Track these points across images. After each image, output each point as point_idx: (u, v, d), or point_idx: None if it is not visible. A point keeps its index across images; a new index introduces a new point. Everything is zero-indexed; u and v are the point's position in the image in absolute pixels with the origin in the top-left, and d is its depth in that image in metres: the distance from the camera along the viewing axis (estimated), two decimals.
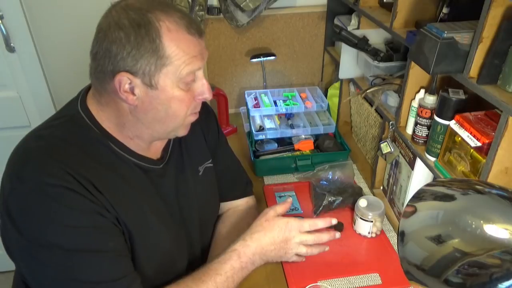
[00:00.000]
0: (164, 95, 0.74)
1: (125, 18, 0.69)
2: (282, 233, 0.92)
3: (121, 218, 0.76)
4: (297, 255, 0.97)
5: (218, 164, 1.05)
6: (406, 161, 1.14)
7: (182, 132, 0.84)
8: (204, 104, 1.05)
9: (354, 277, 1.04)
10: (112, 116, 0.79)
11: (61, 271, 0.70)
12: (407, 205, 0.57)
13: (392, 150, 1.19)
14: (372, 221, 1.14)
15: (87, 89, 0.83)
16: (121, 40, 0.69)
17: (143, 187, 0.83)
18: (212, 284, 0.83)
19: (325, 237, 0.96)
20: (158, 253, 0.84)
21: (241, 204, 1.11)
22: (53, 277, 0.70)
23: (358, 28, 1.39)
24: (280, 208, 0.96)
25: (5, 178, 0.72)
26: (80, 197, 0.70)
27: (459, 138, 0.88)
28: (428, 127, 1.00)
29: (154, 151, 0.88)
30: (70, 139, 0.76)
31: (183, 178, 0.93)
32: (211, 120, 1.05)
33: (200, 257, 1.01)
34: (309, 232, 0.95)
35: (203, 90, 0.79)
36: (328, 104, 1.61)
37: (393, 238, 1.16)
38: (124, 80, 0.71)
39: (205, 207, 1.00)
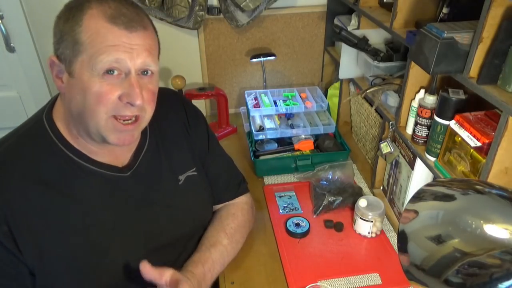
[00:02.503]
0: (80, 85, 0.70)
1: (67, 3, 0.71)
2: None
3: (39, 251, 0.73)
4: None
5: (209, 169, 1.03)
6: (406, 161, 1.14)
7: (112, 138, 0.75)
8: (194, 109, 1.03)
9: (354, 277, 1.04)
10: (61, 110, 0.78)
11: None
12: (406, 209, 0.57)
13: (392, 150, 1.19)
14: (372, 221, 1.14)
15: None
16: (57, 24, 0.71)
17: (93, 204, 0.80)
18: None
19: None
20: (107, 272, 0.81)
21: (233, 201, 1.10)
22: None
23: (358, 28, 1.39)
24: None
25: None
26: None
27: (459, 138, 0.88)
28: (428, 127, 1.00)
29: (116, 157, 0.84)
30: (13, 157, 0.75)
31: (160, 186, 0.90)
32: (200, 125, 1.02)
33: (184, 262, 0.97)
34: None
35: (129, 92, 0.71)
36: (328, 104, 1.62)
37: (393, 238, 1.16)
38: (53, 65, 0.72)
39: (189, 216, 0.96)
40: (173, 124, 0.95)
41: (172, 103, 0.99)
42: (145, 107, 0.76)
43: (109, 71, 0.70)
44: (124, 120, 0.74)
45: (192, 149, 0.98)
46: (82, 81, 0.70)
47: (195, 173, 0.98)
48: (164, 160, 0.91)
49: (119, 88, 0.71)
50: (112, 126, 0.74)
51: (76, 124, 0.76)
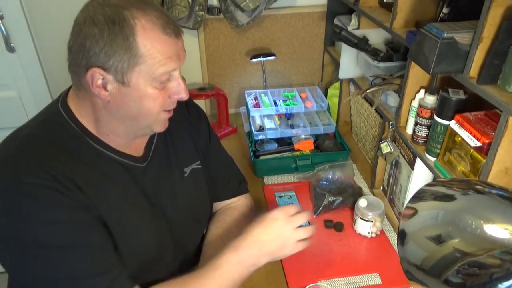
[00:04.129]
0: (136, 93, 0.74)
1: (100, 14, 0.69)
2: (280, 232, 0.89)
3: (101, 214, 0.76)
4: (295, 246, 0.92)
5: (210, 165, 1.04)
6: (406, 161, 1.14)
7: (158, 128, 0.83)
8: (195, 107, 1.05)
9: (354, 277, 1.04)
10: (88, 111, 0.79)
11: (44, 268, 0.70)
12: (407, 206, 0.57)
13: (392, 150, 1.19)
14: (372, 221, 1.14)
15: (70, 86, 0.83)
16: (95, 36, 0.69)
17: (124, 185, 0.82)
18: (210, 278, 0.82)
19: (312, 228, 0.92)
20: (138, 251, 0.83)
21: (233, 201, 1.10)
22: (36, 274, 0.70)
23: (358, 28, 1.39)
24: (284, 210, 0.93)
25: None
26: (56, 193, 0.70)
27: (459, 138, 0.88)
28: (428, 127, 1.00)
29: (135, 148, 0.87)
30: (47, 137, 0.76)
31: (168, 177, 0.92)
32: (202, 123, 1.04)
33: (194, 258, 1.00)
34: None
35: (179, 90, 0.79)
36: (328, 104, 1.62)
37: (393, 238, 1.16)
38: (96, 76, 0.72)
39: (192, 208, 0.98)
40: (177, 118, 0.97)
41: None
42: None
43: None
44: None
45: (195, 143, 1.01)
46: (139, 89, 0.74)
47: (199, 166, 1.00)
48: (171, 152, 0.94)
49: (170, 88, 0.78)
50: (162, 119, 0.82)
51: (116, 124, 0.79)
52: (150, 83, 0.74)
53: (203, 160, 1.02)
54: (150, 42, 0.71)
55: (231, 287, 0.84)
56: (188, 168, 0.97)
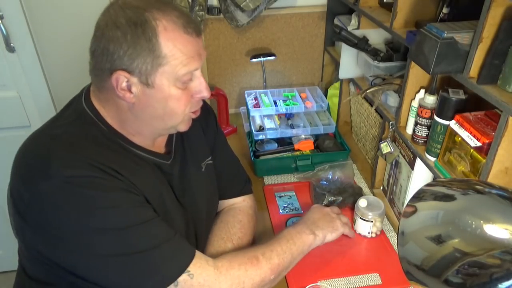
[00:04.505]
0: (161, 94, 0.75)
1: (122, 16, 0.69)
2: (326, 212, 1.09)
3: (146, 197, 0.79)
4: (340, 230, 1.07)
5: (216, 162, 1.05)
6: (406, 161, 1.14)
7: (183, 127, 0.84)
8: (205, 104, 1.06)
9: (354, 277, 1.04)
10: (113, 113, 0.80)
11: (120, 250, 0.72)
12: (407, 205, 0.57)
13: (392, 150, 1.19)
14: (372, 221, 1.14)
15: (90, 86, 0.84)
16: (118, 39, 0.69)
17: (155, 179, 0.84)
18: (277, 245, 0.92)
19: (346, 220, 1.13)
20: None
21: (238, 202, 1.10)
22: (114, 259, 0.72)
23: (358, 28, 1.39)
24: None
25: (18, 183, 0.73)
26: (108, 180, 0.72)
27: (459, 138, 0.88)
28: (428, 127, 1.00)
29: (158, 145, 0.90)
30: (84, 135, 0.77)
31: (187, 174, 0.94)
32: (210, 119, 1.06)
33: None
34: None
35: (201, 89, 0.80)
36: (328, 104, 1.62)
37: (393, 238, 1.16)
38: (121, 79, 0.72)
39: (208, 203, 1.01)
40: None
41: None
42: None
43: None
44: None
45: (206, 138, 1.03)
46: (163, 90, 0.74)
47: (211, 161, 1.03)
48: (187, 148, 0.96)
49: (192, 88, 0.79)
50: (187, 118, 0.83)
51: (141, 125, 0.81)
52: (173, 84, 0.74)
53: (212, 157, 1.04)
54: (172, 42, 0.71)
55: (295, 254, 0.94)
56: (204, 163, 1.00)
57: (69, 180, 0.69)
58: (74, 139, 0.76)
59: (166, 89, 0.74)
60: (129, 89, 0.74)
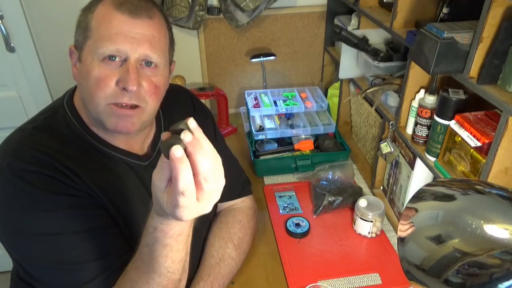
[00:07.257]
0: (85, 69, 0.73)
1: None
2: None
3: (105, 204, 0.76)
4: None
5: None
6: (406, 161, 1.14)
7: (110, 123, 0.75)
8: (201, 104, 1.05)
9: (354, 277, 1.04)
10: (78, 102, 0.81)
11: (48, 255, 0.70)
12: (407, 206, 0.57)
13: (392, 150, 1.19)
14: (372, 221, 1.14)
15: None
16: (79, 15, 0.76)
17: (128, 179, 0.82)
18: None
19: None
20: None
21: (237, 202, 1.10)
22: (41, 261, 0.71)
23: (358, 28, 1.39)
24: None
25: None
26: (56, 181, 0.70)
27: (459, 138, 0.88)
28: (428, 127, 1.00)
29: (135, 146, 0.86)
30: (51, 131, 0.77)
31: None
32: (207, 121, 1.05)
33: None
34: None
35: (125, 78, 0.71)
36: (328, 104, 1.61)
37: (393, 238, 1.16)
38: (72, 54, 0.77)
39: None
40: (182, 115, 0.98)
41: (180, 97, 1.01)
42: (146, 99, 0.76)
43: (110, 57, 0.72)
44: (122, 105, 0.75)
45: None
46: (86, 65, 0.73)
47: None
48: None
49: (117, 73, 0.72)
50: (110, 111, 0.75)
51: (86, 111, 0.79)
52: (94, 59, 0.72)
53: None
54: (101, 17, 0.72)
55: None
56: None
57: (16, 173, 0.69)
58: (39, 133, 0.76)
59: (88, 64, 0.72)
60: (75, 65, 0.77)
